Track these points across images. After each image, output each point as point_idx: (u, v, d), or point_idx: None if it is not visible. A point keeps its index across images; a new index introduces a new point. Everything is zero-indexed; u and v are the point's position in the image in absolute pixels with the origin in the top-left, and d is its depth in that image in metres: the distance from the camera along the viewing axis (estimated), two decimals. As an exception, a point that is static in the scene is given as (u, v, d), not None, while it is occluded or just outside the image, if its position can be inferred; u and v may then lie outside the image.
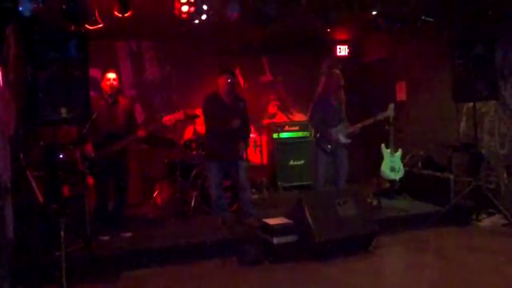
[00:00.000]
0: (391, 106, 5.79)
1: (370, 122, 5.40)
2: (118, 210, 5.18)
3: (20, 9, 4.23)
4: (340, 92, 5.38)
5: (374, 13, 5.82)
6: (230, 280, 4.09)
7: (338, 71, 5.46)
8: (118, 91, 5.18)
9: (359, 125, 5.36)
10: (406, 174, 6.06)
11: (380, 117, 5.43)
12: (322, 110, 5.34)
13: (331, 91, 5.35)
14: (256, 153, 7.06)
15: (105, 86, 5.08)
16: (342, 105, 5.42)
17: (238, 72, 7.29)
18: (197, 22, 5.22)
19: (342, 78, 5.35)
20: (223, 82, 5.11)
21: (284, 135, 7.36)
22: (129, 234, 4.91)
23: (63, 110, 3.58)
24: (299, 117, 7.83)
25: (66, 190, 4.78)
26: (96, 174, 4.96)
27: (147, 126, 5.35)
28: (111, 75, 5.09)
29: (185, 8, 5.04)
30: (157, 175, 6.49)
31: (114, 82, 5.09)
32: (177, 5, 5.06)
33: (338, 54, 7.87)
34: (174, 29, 5.79)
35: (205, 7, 5.16)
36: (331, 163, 5.37)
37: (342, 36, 7.74)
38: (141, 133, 5.11)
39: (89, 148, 4.86)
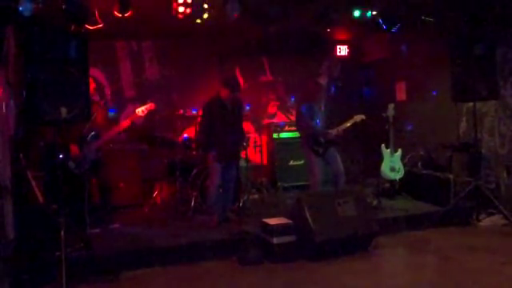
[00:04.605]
0: (391, 105, 5.79)
1: (350, 123, 5.28)
2: (103, 205, 5.26)
3: (20, 9, 4.23)
4: (324, 96, 5.32)
5: (374, 13, 5.82)
6: (230, 280, 4.09)
7: (322, 81, 5.37)
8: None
9: (340, 128, 5.25)
10: (406, 174, 6.07)
11: (356, 119, 5.29)
12: (310, 113, 5.28)
13: (316, 95, 5.29)
14: (256, 153, 7.06)
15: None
16: (326, 107, 5.36)
17: (237, 72, 7.31)
18: (199, 21, 5.20)
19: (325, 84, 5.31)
20: (226, 94, 5.17)
21: (284, 135, 7.35)
22: (116, 225, 5.23)
23: (63, 110, 3.59)
24: (299, 117, 7.81)
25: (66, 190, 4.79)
26: (81, 173, 4.96)
27: (125, 119, 5.38)
28: None
29: (181, 9, 5.04)
30: (157, 175, 6.49)
31: None
32: (174, 5, 5.06)
33: (338, 54, 7.85)
34: (174, 29, 5.78)
35: (206, 6, 5.14)
36: (324, 164, 5.31)
37: (342, 36, 7.73)
38: (123, 123, 5.20)
39: (73, 148, 4.87)
